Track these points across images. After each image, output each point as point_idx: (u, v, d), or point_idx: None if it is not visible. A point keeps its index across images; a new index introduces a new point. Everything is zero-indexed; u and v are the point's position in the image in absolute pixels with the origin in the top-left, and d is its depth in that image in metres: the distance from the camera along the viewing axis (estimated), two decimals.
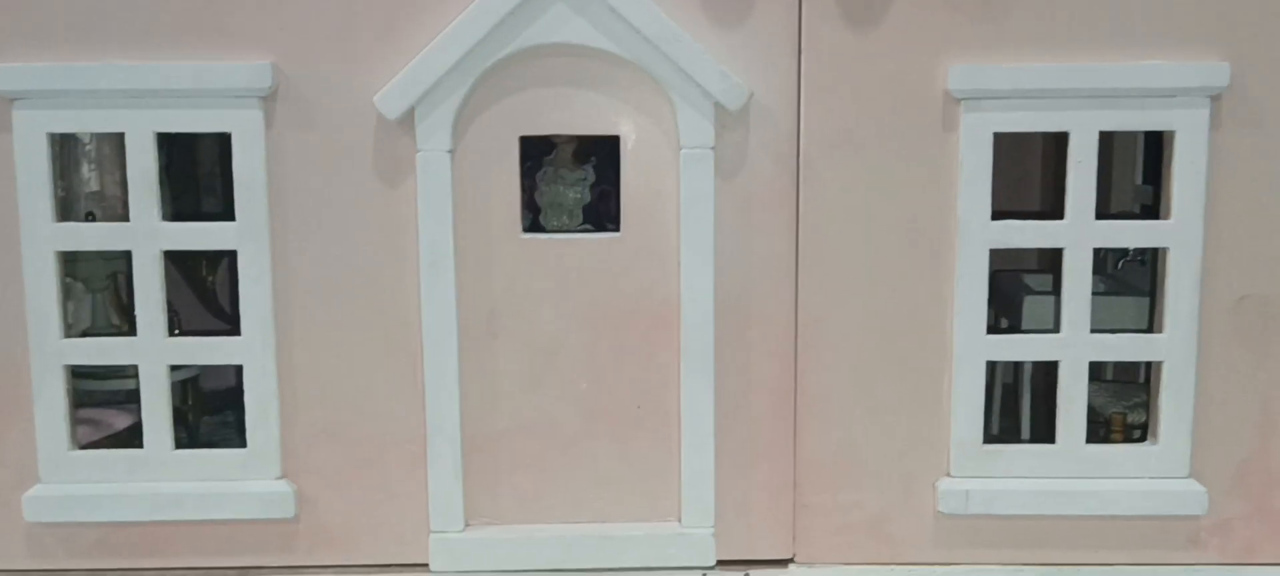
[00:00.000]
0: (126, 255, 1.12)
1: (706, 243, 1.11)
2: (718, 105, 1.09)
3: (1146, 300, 1.36)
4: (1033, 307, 1.43)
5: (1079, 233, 1.12)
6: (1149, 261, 1.50)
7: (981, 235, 1.12)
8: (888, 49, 1.09)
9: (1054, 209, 1.16)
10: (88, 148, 1.32)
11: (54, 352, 1.12)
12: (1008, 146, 1.15)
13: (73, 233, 1.12)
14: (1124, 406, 1.34)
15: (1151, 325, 1.20)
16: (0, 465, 1.15)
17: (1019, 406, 1.50)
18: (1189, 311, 1.14)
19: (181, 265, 1.47)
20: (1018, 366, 1.51)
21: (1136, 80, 1.09)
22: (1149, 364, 1.23)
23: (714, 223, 1.11)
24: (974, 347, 1.14)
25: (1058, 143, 1.57)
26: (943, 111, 1.11)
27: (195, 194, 1.46)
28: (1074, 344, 1.14)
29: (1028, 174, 1.64)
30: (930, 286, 1.14)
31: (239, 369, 1.15)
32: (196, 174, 1.47)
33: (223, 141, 1.40)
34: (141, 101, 1.08)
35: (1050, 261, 1.61)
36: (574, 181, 1.32)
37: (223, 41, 1.09)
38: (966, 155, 1.11)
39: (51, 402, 1.13)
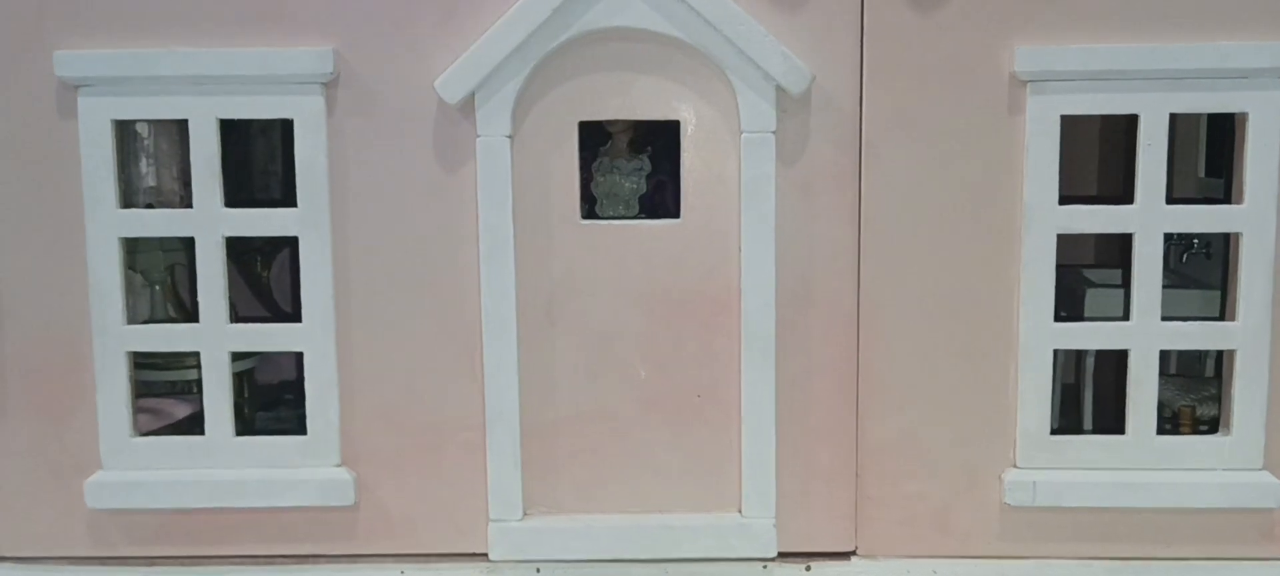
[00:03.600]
0: (185, 248, 1.13)
1: (767, 228, 1.10)
2: (779, 89, 1.08)
3: (1213, 293, 1.34)
4: (1095, 300, 1.40)
5: (1149, 217, 1.10)
6: (1214, 254, 1.47)
7: (1048, 220, 1.10)
8: (952, 30, 1.08)
9: (1114, 197, 1.14)
10: (145, 142, 1.33)
11: (117, 339, 1.13)
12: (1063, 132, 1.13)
13: (137, 219, 1.13)
14: (1193, 399, 1.31)
15: (1220, 318, 1.17)
16: (62, 451, 1.16)
17: (1080, 405, 1.48)
18: (1263, 298, 1.11)
19: (236, 260, 1.48)
20: (1079, 365, 1.48)
21: (1207, 61, 1.07)
22: (1216, 357, 1.20)
23: (775, 208, 1.10)
24: (1041, 335, 1.12)
25: (1113, 129, 1.55)
26: (1008, 94, 1.09)
27: (249, 192, 1.47)
28: (1145, 332, 1.12)
29: (1082, 161, 1.62)
30: (995, 272, 1.12)
31: (294, 361, 1.15)
32: (250, 170, 1.49)
33: (272, 139, 1.43)
34: (204, 88, 1.09)
35: (1109, 256, 1.59)
36: (630, 171, 1.31)
37: (284, 28, 1.09)
38: (1033, 138, 1.09)
39: (114, 389, 1.14)
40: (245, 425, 1.37)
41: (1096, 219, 1.11)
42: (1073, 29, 1.07)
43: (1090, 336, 1.15)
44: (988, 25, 1.08)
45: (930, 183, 1.10)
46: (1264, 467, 1.13)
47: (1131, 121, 1.09)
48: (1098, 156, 1.64)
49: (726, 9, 1.06)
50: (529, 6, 1.06)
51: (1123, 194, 1.12)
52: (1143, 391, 1.13)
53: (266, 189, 1.49)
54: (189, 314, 1.15)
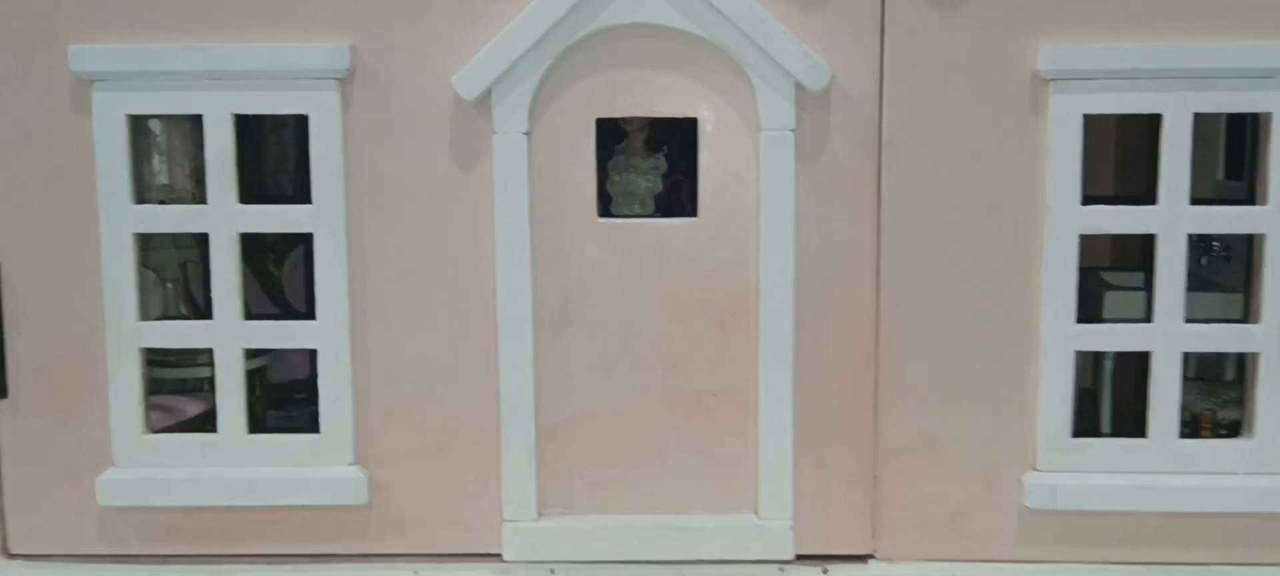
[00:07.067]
0: (198, 245, 1.12)
1: (786, 227, 1.09)
2: (799, 86, 1.07)
3: (1234, 297, 1.32)
4: (1114, 303, 1.38)
5: (1173, 219, 1.09)
6: (1234, 257, 1.45)
7: (1071, 220, 1.09)
8: (973, 28, 1.07)
9: (1132, 197, 1.13)
10: (158, 139, 1.33)
11: (130, 335, 1.12)
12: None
13: (151, 215, 1.12)
14: (1213, 403, 1.29)
15: (1242, 321, 1.16)
16: (74, 448, 1.15)
17: (1098, 410, 1.46)
18: None
19: (248, 258, 1.47)
20: (1097, 368, 1.46)
21: (1231, 60, 1.06)
22: (1237, 360, 1.18)
23: (794, 207, 1.09)
24: (1062, 336, 1.11)
25: (1130, 129, 1.53)
26: (1030, 92, 1.08)
27: (260, 190, 1.46)
28: (1167, 334, 1.10)
29: (1098, 161, 1.60)
30: (1016, 273, 1.10)
31: (307, 360, 1.14)
32: (261, 169, 1.48)
33: (284, 138, 1.42)
34: (219, 83, 1.08)
35: (1125, 258, 1.57)
36: (646, 170, 1.30)
37: (300, 23, 1.08)
38: (1055, 138, 1.08)
39: (127, 385, 1.13)
40: (257, 424, 1.36)
41: (1119, 220, 1.10)
42: (1096, 28, 1.06)
43: (1113, 338, 1.14)
44: (1010, 23, 1.07)
45: (950, 182, 1.09)
46: None
47: (1150, 121, 1.08)
48: (1114, 156, 1.62)
49: (746, 6, 1.05)
50: (547, 2, 1.06)
51: (1142, 194, 1.10)
52: (1165, 394, 1.12)
53: (278, 188, 1.48)
54: (201, 312, 1.14)
